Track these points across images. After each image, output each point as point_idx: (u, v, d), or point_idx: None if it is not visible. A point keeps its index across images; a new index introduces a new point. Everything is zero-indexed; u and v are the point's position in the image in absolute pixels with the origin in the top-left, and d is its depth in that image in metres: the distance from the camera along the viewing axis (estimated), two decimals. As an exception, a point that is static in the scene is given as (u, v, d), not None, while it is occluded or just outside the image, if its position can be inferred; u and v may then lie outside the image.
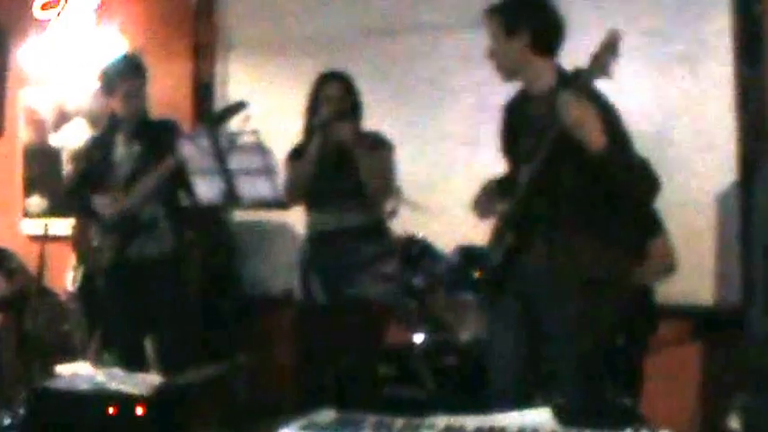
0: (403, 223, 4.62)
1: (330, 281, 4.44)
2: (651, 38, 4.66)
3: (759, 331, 3.84)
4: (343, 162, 4.45)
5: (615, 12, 4.78)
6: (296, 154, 4.59)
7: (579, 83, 3.26)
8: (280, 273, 5.39)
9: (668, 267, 4.32)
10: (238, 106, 4.26)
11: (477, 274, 3.71)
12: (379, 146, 4.52)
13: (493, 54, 3.59)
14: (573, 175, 3.35)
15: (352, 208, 4.46)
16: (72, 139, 6.16)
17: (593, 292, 3.36)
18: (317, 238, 4.54)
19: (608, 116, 3.31)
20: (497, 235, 3.59)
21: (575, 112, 3.20)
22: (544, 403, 3.22)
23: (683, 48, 4.73)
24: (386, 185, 4.51)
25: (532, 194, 3.42)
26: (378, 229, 4.54)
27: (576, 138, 3.22)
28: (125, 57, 5.06)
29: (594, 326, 3.40)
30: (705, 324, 4.75)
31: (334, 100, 4.49)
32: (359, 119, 4.56)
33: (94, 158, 4.84)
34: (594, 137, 3.20)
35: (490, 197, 3.65)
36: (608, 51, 3.21)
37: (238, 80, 5.92)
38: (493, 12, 3.58)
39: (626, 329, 4.02)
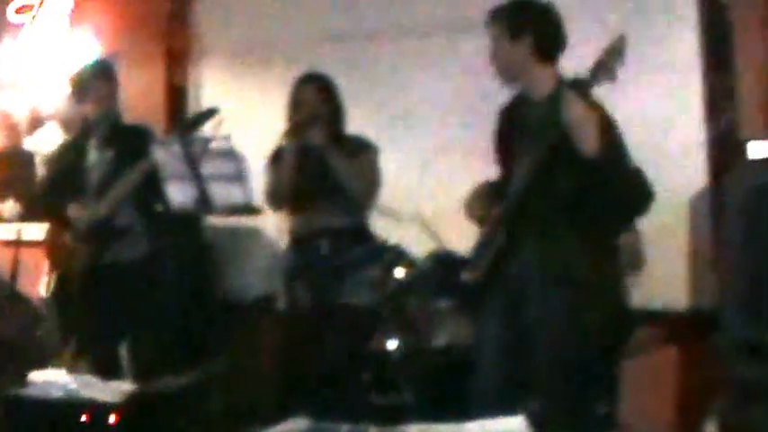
0: (377, 229, 4.63)
1: (314, 286, 4.42)
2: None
3: (733, 335, 3.85)
4: (322, 165, 4.44)
5: (581, 19, 4.79)
6: (276, 157, 4.57)
7: (583, 86, 3.28)
8: (256, 278, 5.39)
9: (639, 262, 4.35)
10: (209, 113, 4.26)
11: (469, 276, 3.71)
12: (362, 150, 4.50)
13: (494, 57, 3.59)
14: (568, 178, 3.37)
15: (334, 210, 4.44)
16: (46, 143, 6.12)
17: (583, 296, 3.38)
18: (299, 241, 4.53)
19: (606, 123, 3.34)
20: (487, 237, 3.60)
21: (577, 112, 3.22)
22: (521, 409, 3.23)
23: (653, 53, 4.75)
24: (368, 191, 4.48)
25: (527, 196, 3.44)
26: (361, 232, 4.53)
27: (572, 139, 3.24)
28: (96, 61, 5.07)
29: (582, 330, 3.41)
30: (680, 329, 4.76)
31: (307, 104, 4.47)
32: (337, 122, 4.54)
33: (67, 163, 4.84)
34: (591, 140, 3.23)
35: (483, 199, 3.65)
36: (614, 56, 3.23)
37: (212, 85, 5.92)
38: (497, 15, 3.58)
39: (603, 334, 4.02)
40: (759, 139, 4.36)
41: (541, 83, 3.53)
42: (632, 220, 3.97)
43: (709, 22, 4.69)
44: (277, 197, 4.51)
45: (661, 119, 4.76)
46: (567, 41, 3.56)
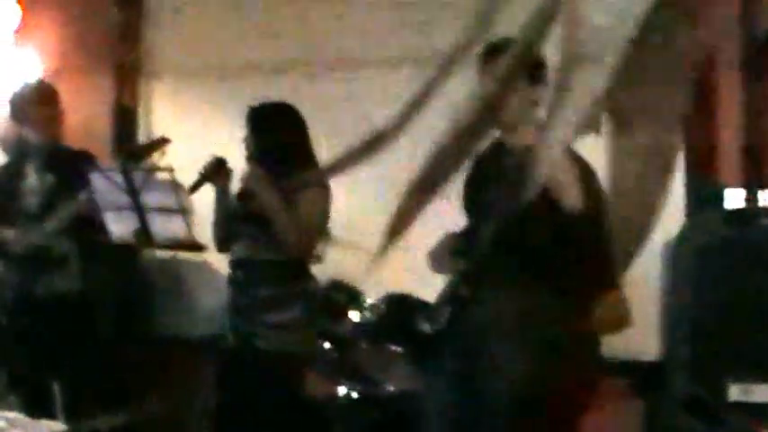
0: (331, 266, 4.61)
1: (239, 323, 4.38)
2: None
3: (677, 393, 3.87)
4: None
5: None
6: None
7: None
8: (197, 314, 5.36)
9: (623, 321, 4.34)
10: (160, 142, 4.27)
11: (425, 326, 3.70)
12: (309, 186, 4.34)
13: (498, 98, 3.45)
14: (544, 233, 3.33)
15: (267, 245, 4.33)
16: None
17: (548, 355, 3.35)
18: (230, 271, 4.48)
19: (587, 177, 3.30)
20: (452, 287, 3.58)
21: (560, 165, 3.11)
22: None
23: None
24: (299, 233, 4.29)
25: (497, 249, 3.41)
26: (297, 269, 4.41)
27: (552, 193, 3.17)
28: (37, 83, 5.04)
29: (544, 390, 3.37)
30: (649, 381, 4.77)
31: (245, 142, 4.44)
32: (275, 157, 4.39)
33: (2, 187, 4.83)
34: (572, 198, 3.16)
35: (447, 252, 3.63)
36: (599, 108, 3.17)
37: (162, 108, 5.90)
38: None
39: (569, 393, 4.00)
40: (737, 186, 4.41)
41: (525, 131, 3.48)
42: (611, 278, 3.95)
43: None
44: (213, 239, 4.47)
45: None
46: None
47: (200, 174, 4.29)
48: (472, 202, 3.68)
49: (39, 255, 4.66)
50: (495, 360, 3.41)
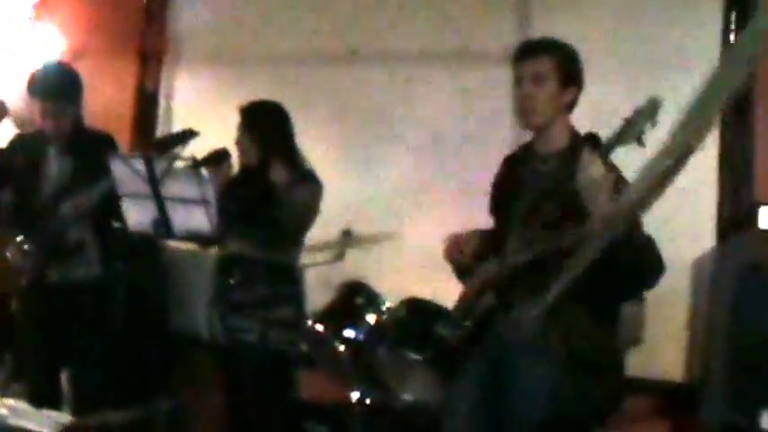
0: (350, 268, 4.71)
1: (226, 318, 4.46)
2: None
3: (714, 421, 3.91)
4: (252, 192, 4.50)
5: (599, 68, 4.88)
6: None
7: (604, 148, 3.23)
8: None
9: (637, 338, 4.41)
10: (186, 135, 4.26)
11: (449, 334, 3.75)
12: (300, 182, 4.50)
13: (528, 99, 3.53)
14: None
15: (252, 240, 4.45)
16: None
17: (576, 367, 3.38)
18: (220, 266, 4.58)
19: (621, 188, 3.29)
20: (475, 294, 3.63)
21: (595, 176, 3.17)
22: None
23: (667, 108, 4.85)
24: (291, 231, 4.47)
25: (524, 257, 3.43)
26: (286, 269, 4.53)
27: (585, 204, 3.21)
28: (55, 70, 4.96)
29: (570, 404, 3.40)
30: (675, 402, 4.83)
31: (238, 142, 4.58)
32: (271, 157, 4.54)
33: (17, 169, 4.86)
34: (602, 206, 3.17)
35: (470, 248, 3.67)
36: (645, 118, 3.18)
37: (184, 93, 6.01)
38: (548, 52, 3.53)
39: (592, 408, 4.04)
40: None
41: (557, 136, 3.55)
42: (639, 293, 4.01)
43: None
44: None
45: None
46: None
47: (203, 158, 4.33)
48: (501, 204, 3.74)
49: (55, 240, 4.71)
50: (520, 374, 3.42)
